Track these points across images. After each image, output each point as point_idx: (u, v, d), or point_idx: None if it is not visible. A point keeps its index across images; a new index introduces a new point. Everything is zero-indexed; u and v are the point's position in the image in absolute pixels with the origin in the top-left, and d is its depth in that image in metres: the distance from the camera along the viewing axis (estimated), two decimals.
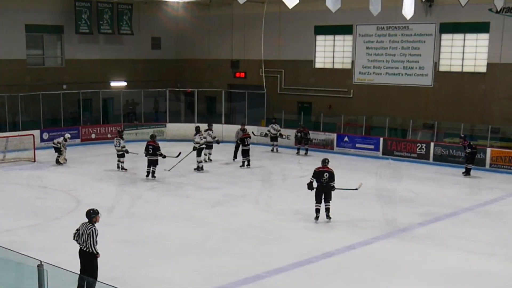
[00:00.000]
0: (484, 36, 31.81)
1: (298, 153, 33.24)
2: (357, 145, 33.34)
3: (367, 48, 35.66)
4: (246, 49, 40.38)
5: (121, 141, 27.24)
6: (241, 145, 29.50)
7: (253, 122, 37.09)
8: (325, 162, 19.44)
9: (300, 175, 26.55)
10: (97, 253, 12.94)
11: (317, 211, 19.25)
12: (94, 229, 12.94)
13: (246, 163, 29.01)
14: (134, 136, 35.58)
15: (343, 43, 36.94)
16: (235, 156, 30.64)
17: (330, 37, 37.38)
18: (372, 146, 32.81)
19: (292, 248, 16.90)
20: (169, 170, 26.69)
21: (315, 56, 38.04)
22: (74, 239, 13.19)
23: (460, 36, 32.71)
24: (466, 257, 16.48)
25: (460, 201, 22.91)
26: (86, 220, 13.11)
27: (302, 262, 15.64)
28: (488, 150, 29.29)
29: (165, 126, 37.53)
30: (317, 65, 38.09)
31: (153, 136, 26.61)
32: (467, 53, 32.54)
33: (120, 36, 40.01)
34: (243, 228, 18.64)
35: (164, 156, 25.88)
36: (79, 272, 12.77)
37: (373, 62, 35.51)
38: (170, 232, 18.13)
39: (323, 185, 19.09)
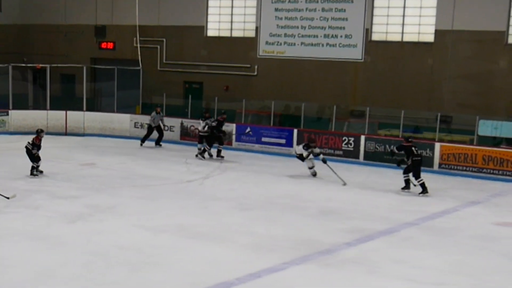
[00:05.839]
0: None
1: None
2: (264, 139, 33.66)
3: (276, 10, 35.89)
4: (115, 11, 40.26)
5: None
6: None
7: (125, 109, 36.80)
8: None
9: (188, 179, 26.46)
10: None
11: None
12: None
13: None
14: None
15: (245, 3, 37.25)
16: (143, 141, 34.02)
17: None
18: (283, 141, 33.08)
19: (178, 275, 16.65)
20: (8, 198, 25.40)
21: (207, 21, 38.35)
22: None
23: None
24: (408, 287, 16.59)
25: (400, 214, 23.05)
26: None
27: None
28: (437, 145, 29.72)
29: (7, 114, 37.29)
30: (210, 33, 38.36)
31: None
32: (409, 17, 33.16)
33: None
34: (113, 250, 18.31)
35: None
36: None
37: (284, 29, 35.73)
38: (14, 255, 17.61)
39: None
